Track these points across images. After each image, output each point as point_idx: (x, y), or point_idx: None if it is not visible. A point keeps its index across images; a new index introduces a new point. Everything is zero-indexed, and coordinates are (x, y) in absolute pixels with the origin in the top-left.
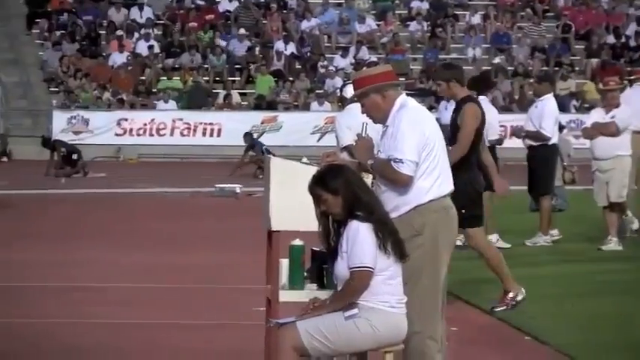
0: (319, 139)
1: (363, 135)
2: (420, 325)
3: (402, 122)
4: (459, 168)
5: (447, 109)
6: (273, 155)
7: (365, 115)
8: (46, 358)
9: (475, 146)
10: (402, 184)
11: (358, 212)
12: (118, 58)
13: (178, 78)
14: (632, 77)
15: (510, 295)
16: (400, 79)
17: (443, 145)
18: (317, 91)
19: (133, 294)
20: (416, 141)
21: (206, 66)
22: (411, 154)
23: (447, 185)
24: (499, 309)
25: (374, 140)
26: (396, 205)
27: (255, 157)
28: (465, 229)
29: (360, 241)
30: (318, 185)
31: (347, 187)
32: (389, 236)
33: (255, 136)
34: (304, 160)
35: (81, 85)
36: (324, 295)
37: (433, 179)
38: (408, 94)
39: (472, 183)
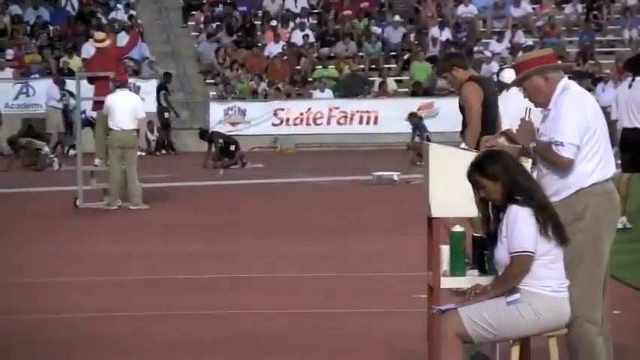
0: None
1: (527, 119)
2: (581, 309)
3: (564, 105)
4: (471, 147)
5: (605, 92)
6: (431, 141)
7: (527, 99)
8: (214, 345)
9: (488, 124)
10: (562, 167)
11: (518, 197)
12: (273, 48)
13: (333, 67)
14: None
15: None
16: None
17: (605, 128)
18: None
19: (298, 283)
20: (577, 124)
21: (361, 54)
22: (573, 137)
23: (610, 169)
24: None
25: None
26: (557, 188)
27: (418, 143)
28: None
29: (519, 225)
30: (477, 171)
31: (505, 173)
32: (549, 220)
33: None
34: (462, 145)
35: (237, 76)
36: (485, 281)
37: (595, 162)
38: None
39: None
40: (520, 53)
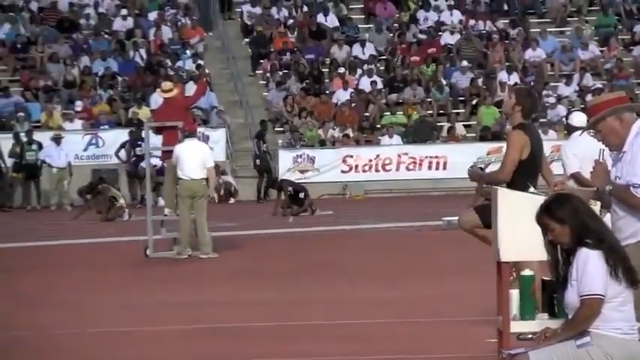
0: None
1: (601, 160)
2: None
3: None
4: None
5: None
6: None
7: (600, 141)
8: None
9: (524, 175)
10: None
11: (587, 240)
12: (341, 95)
13: (402, 113)
14: None
15: None
16: None
17: None
18: (541, 120)
19: (367, 329)
20: None
21: (429, 99)
22: None
23: None
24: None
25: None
26: (634, 230)
27: (485, 188)
28: None
29: (590, 268)
30: (545, 214)
31: (574, 216)
32: (620, 263)
33: (482, 166)
34: (531, 189)
35: (305, 124)
36: (555, 324)
37: None
38: None
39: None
40: (589, 96)
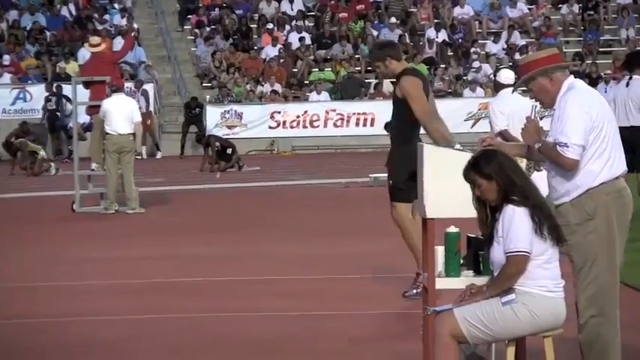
0: (472, 126)
1: (532, 117)
2: (598, 308)
3: (567, 104)
4: (399, 140)
5: (607, 92)
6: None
7: (533, 99)
8: (206, 349)
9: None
10: (568, 167)
11: (513, 197)
12: (270, 51)
13: (330, 69)
14: None
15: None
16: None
17: (613, 126)
18: (467, 78)
19: (296, 286)
20: (582, 123)
21: (357, 56)
22: (577, 138)
23: (619, 167)
24: (410, 293)
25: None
26: (566, 189)
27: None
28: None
29: (515, 225)
30: (473, 170)
31: (501, 172)
32: (545, 220)
33: None
34: (457, 146)
35: (234, 80)
36: (480, 281)
37: (604, 161)
38: None
39: (406, 154)
40: (517, 55)
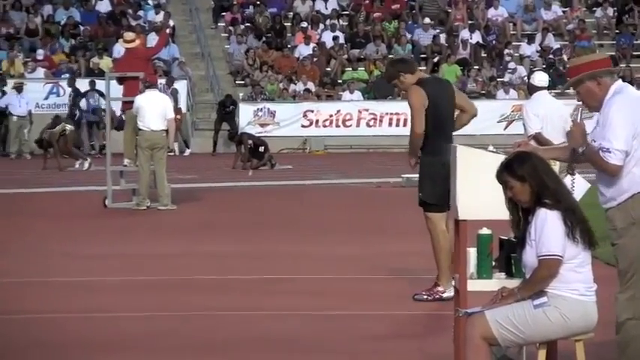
0: (506, 128)
1: (578, 120)
2: (635, 312)
3: (612, 109)
4: (423, 151)
5: None
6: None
7: (580, 102)
8: (236, 346)
9: (434, 127)
10: (610, 173)
11: (546, 200)
12: (303, 50)
13: (363, 69)
14: None
15: (440, 289)
16: None
17: None
18: (502, 79)
19: (323, 285)
20: (625, 129)
21: (391, 56)
22: (619, 144)
23: None
24: (420, 298)
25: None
26: (613, 194)
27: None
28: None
29: (548, 229)
30: (506, 172)
31: (534, 174)
32: (577, 224)
33: None
34: (490, 148)
35: (267, 78)
36: (512, 284)
37: None
38: None
39: (431, 166)
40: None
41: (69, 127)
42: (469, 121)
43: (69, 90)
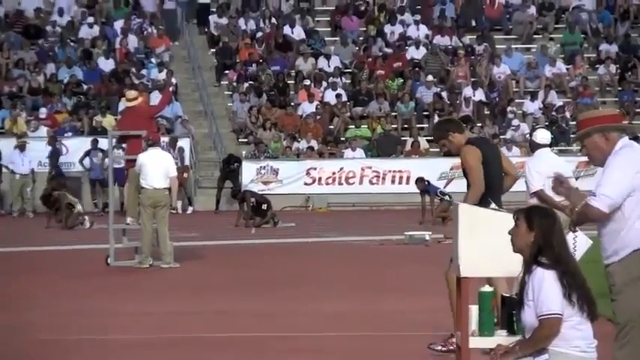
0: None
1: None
2: None
3: (614, 159)
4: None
5: None
6: (449, 198)
7: (585, 156)
8: None
9: (487, 187)
10: (592, 217)
11: (543, 258)
12: (306, 108)
13: (366, 126)
14: None
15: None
16: None
17: None
18: (504, 137)
19: (328, 342)
20: (622, 178)
21: (394, 113)
22: (610, 190)
23: None
24: (435, 347)
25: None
26: (615, 249)
27: (441, 204)
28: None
29: (546, 288)
30: (524, 214)
31: (545, 230)
32: (576, 288)
33: (429, 182)
34: (492, 205)
35: (270, 136)
36: (513, 341)
37: None
38: None
39: None
40: (591, 110)
41: (79, 207)
42: (512, 185)
43: (72, 149)
